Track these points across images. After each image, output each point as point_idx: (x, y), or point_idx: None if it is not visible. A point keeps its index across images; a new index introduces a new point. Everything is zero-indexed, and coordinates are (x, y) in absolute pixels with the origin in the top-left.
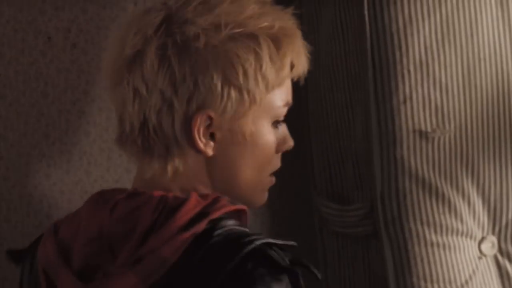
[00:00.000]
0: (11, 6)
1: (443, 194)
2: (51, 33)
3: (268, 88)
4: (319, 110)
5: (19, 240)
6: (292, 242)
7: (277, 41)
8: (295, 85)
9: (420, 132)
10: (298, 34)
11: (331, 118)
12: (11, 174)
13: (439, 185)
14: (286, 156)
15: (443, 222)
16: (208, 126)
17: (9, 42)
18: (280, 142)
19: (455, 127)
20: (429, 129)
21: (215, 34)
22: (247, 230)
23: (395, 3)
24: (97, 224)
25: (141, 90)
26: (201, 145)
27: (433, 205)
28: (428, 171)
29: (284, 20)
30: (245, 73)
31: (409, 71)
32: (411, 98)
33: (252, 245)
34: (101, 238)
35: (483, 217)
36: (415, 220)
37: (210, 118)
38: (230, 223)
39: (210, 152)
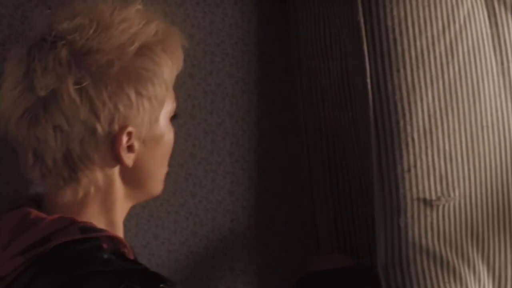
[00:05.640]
0: None
1: (448, 263)
2: None
3: (167, 87)
4: (324, 177)
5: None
6: (137, 266)
7: (164, 43)
8: (290, 149)
9: (425, 200)
10: (175, 31)
11: (341, 184)
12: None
13: (443, 253)
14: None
15: None
16: (128, 141)
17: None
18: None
19: (459, 195)
20: (433, 197)
21: (123, 55)
22: (96, 256)
23: (398, 70)
24: None
25: (62, 125)
26: (126, 160)
27: (438, 274)
28: (433, 239)
29: (161, 21)
30: (153, 83)
31: (413, 139)
32: (415, 166)
33: (69, 275)
34: None
35: (488, 285)
36: None
37: (129, 133)
38: (81, 247)
39: (131, 163)
